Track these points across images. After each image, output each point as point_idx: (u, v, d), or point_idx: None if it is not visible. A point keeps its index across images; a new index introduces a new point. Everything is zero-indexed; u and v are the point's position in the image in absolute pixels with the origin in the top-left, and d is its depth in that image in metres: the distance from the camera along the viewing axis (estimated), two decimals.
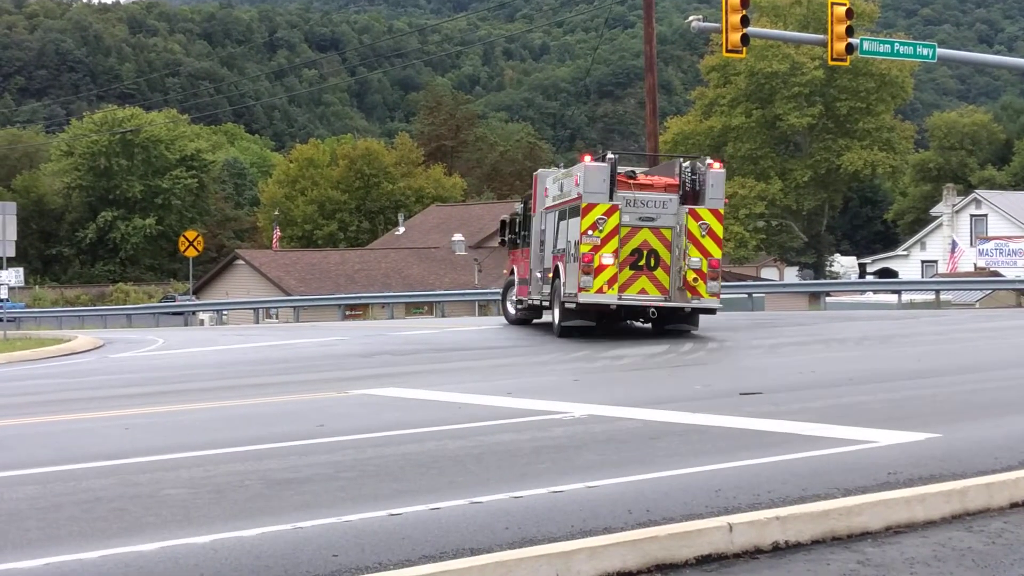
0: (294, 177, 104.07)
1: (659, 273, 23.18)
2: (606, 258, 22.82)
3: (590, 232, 22.82)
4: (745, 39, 30.68)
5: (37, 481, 8.86)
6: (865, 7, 74.09)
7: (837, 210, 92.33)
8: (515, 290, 29.24)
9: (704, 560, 6.50)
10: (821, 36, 33.95)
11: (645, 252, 23.22)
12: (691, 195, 23.33)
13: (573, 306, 23.35)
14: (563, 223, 24.58)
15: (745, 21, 30.41)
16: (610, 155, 23.65)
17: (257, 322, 53.52)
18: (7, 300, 46.09)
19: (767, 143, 79.93)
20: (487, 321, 36.51)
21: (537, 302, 26.95)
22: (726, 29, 30.20)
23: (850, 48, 31.93)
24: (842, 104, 76.83)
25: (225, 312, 58.39)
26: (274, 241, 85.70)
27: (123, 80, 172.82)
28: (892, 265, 76.00)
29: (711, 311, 23.85)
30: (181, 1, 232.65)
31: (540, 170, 28.69)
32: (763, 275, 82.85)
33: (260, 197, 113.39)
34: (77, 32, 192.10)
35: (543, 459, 9.28)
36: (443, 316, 48.39)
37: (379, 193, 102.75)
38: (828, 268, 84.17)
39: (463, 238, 71.43)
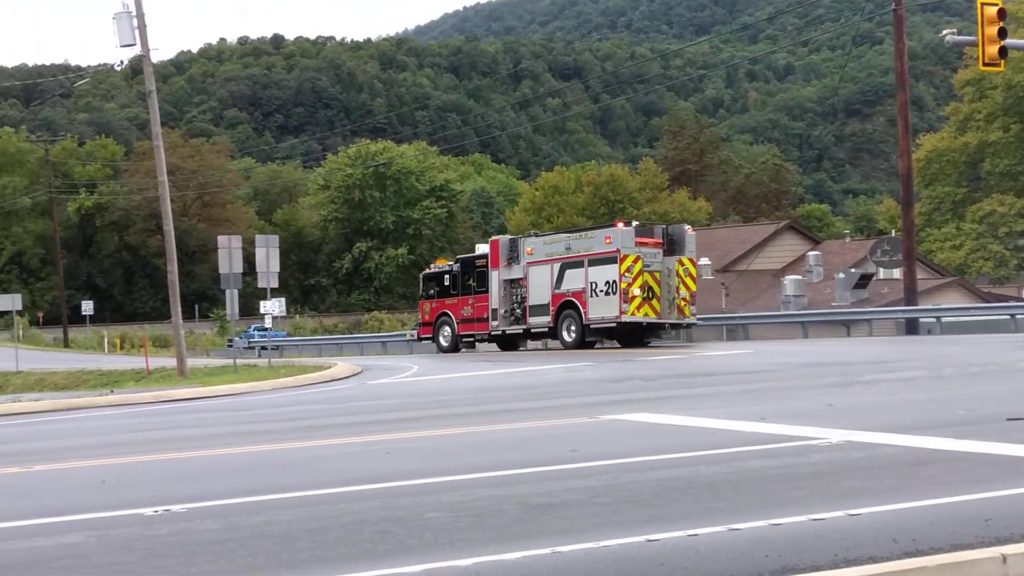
0: (540, 205, 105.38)
1: (654, 302, 35.00)
2: (636, 291, 34.45)
3: (626, 274, 34.35)
4: (1003, 51, 29.52)
5: (306, 504, 9.20)
6: None
7: None
8: (452, 327, 40.60)
9: None
10: None
11: (647, 287, 34.75)
12: (669, 250, 35.48)
13: (614, 325, 34.94)
14: (574, 271, 35.46)
15: (1003, 33, 29.29)
16: (635, 222, 37.39)
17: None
18: (271, 329, 48.16)
19: None
20: (735, 346, 36.10)
21: (520, 331, 38.26)
22: (982, 42, 29.14)
23: None
24: None
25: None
26: None
27: (375, 115, 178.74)
28: None
29: (691, 325, 37.80)
30: (429, 36, 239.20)
31: (499, 236, 41.34)
32: None
33: (507, 225, 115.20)
34: (331, 70, 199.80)
35: (800, 486, 9.11)
36: (690, 341, 48.03)
37: (624, 218, 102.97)
38: None
39: (709, 262, 70.70)
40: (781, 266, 67.59)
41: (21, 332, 71.77)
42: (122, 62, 40.39)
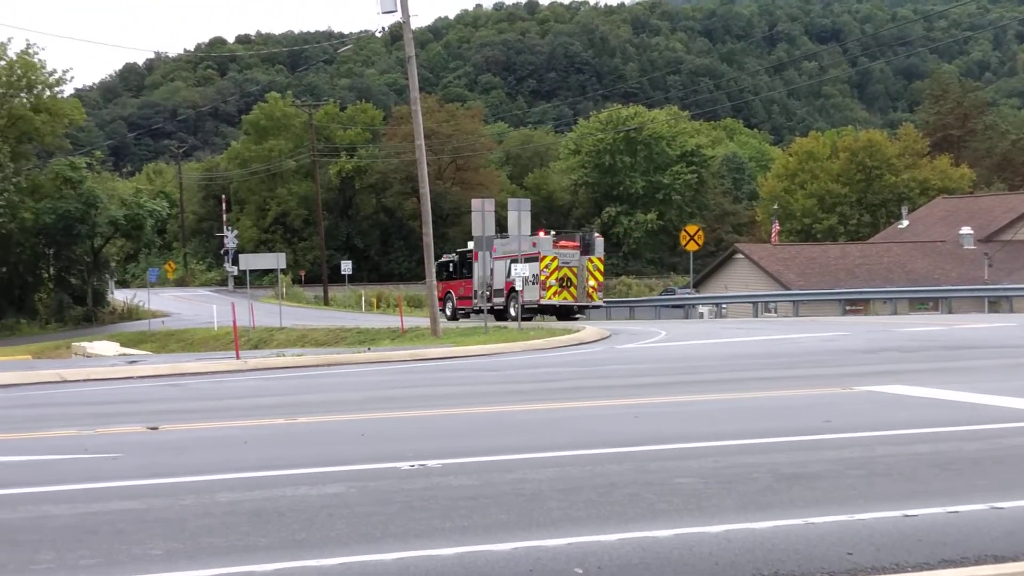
0: (793, 171, 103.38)
1: (572, 289, 46.97)
2: (552, 282, 46.25)
3: (544, 269, 46.04)
4: None
5: (557, 464, 9.30)
6: None
7: None
8: (453, 302, 51.76)
9: None
10: None
11: (565, 279, 46.63)
12: (584, 250, 47.38)
13: (536, 306, 46.62)
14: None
15: None
16: (552, 232, 49.65)
17: (756, 316, 53.59)
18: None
19: None
20: (999, 318, 34.71)
21: (487, 308, 45.50)
22: None
23: None
24: None
25: (724, 305, 58.88)
26: (773, 235, 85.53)
27: (626, 80, 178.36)
28: None
29: (599, 307, 50.21)
30: (683, 0, 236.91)
31: (472, 241, 46.56)
32: None
33: (758, 191, 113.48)
34: (584, 35, 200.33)
35: None
36: (950, 312, 46.40)
37: (881, 185, 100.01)
38: None
39: (971, 231, 68.07)
40: None
41: (284, 290, 74.87)
42: (383, 29, 41.45)
